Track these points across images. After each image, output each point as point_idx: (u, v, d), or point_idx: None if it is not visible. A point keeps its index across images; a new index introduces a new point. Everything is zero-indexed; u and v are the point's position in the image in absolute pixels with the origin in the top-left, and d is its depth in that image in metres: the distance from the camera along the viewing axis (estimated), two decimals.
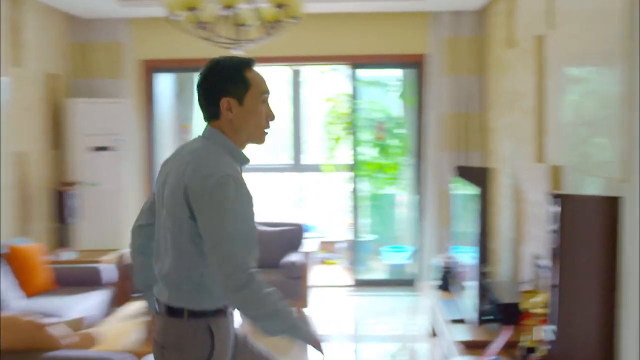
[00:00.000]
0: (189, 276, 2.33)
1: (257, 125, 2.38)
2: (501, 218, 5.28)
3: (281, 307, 2.21)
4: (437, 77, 6.60)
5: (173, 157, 2.47)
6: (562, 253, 2.87)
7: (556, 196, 2.93)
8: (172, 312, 2.36)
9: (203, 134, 2.43)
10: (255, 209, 2.33)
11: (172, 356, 2.35)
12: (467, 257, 4.27)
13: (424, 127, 6.78)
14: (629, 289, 2.58)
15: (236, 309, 2.29)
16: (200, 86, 2.38)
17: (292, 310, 2.25)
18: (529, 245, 4.53)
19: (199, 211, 2.23)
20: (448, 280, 4.94)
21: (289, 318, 2.23)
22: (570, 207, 2.87)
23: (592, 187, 3.34)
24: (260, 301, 2.18)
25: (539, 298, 3.40)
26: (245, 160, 2.42)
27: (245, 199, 2.27)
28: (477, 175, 4.38)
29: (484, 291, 3.93)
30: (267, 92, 2.39)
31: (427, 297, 5.39)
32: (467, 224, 4.25)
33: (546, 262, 3.76)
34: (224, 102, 2.33)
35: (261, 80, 2.39)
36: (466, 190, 4.41)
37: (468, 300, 4.12)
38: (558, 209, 2.87)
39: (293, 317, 2.24)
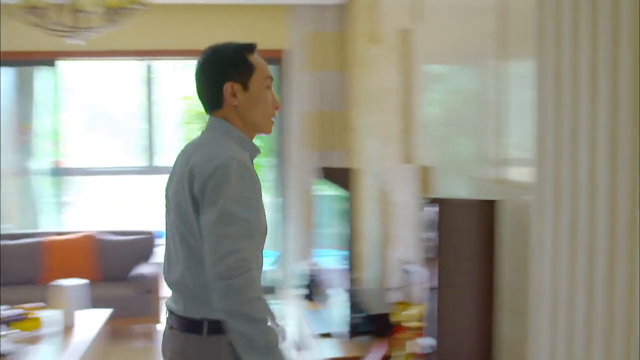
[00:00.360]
0: (205, 280, 2.05)
1: (263, 112, 2.26)
2: (367, 221, 5.08)
3: (268, 321, 1.99)
4: (298, 73, 6.35)
5: (176, 161, 2.28)
6: (440, 261, 2.67)
7: (432, 200, 2.71)
8: (190, 326, 2.14)
9: (206, 126, 2.27)
10: (262, 199, 2.18)
11: None
12: (333, 263, 4.02)
13: (286, 126, 6.50)
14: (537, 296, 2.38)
15: (218, 303, 1.99)
16: (199, 73, 2.24)
17: (279, 336, 2.04)
18: (397, 249, 4.34)
19: (201, 198, 2.05)
20: (313, 289, 4.66)
21: (272, 338, 1.99)
22: (447, 211, 2.67)
23: (463, 189, 3.18)
24: (249, 301, 1.96)
25: (414, 311, 3.18)
26: (256, 150, 2.31)
27: (249, 185, 2.09)
28: (341, 177, 4.13)
29: (353, 301, 3.68)
30: (271, 77, 2.29)
31: (292, 307, 5.10)
32: (333, 228, 4.00)
33: (415, 267, 3.58)
34: (228, 87, 2.19)
35: (264, 65, 2.28)
36: (331, 192, 4.16)
37: (336, 311, 3.85)
38: (434, 213, 2.65)
39: (276, 340, 2.00)
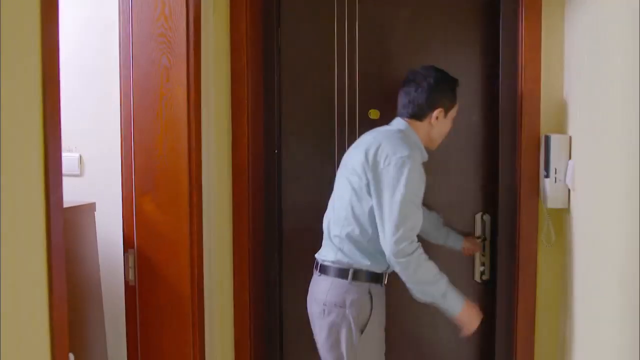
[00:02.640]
0: (361, 242, 2.61)
1: (443, 136, 2.77)
2: None
3: (440, 276, 2.53)
4: None
5: (363, 139, 2.72)
6: None
7: None
8: (340, 272, 2.63)
9: (398, 124, 2.71)
10: (423, 192, 2.58)
11: (336, 312, 2.61)
12: None
13: None
14: None
15: (399, 271, 2.54)
16: (428, 87, 2.68)
17: (448, 283, 2.56)
18: None
19: (376, 182, 2.54)
20: None
21: (445, 287, 2.53)
22: None
23: None
24: (423, 266, 2.50)
25: None
26: (425, 158, 2.69)
27: (417, 181, 2.53)
28: None
29: None
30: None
31: None
32: None
33: None
34: (439, 112, 2.69)
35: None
36: None
37: None
38: None
39: (448, 288, 2.54)
